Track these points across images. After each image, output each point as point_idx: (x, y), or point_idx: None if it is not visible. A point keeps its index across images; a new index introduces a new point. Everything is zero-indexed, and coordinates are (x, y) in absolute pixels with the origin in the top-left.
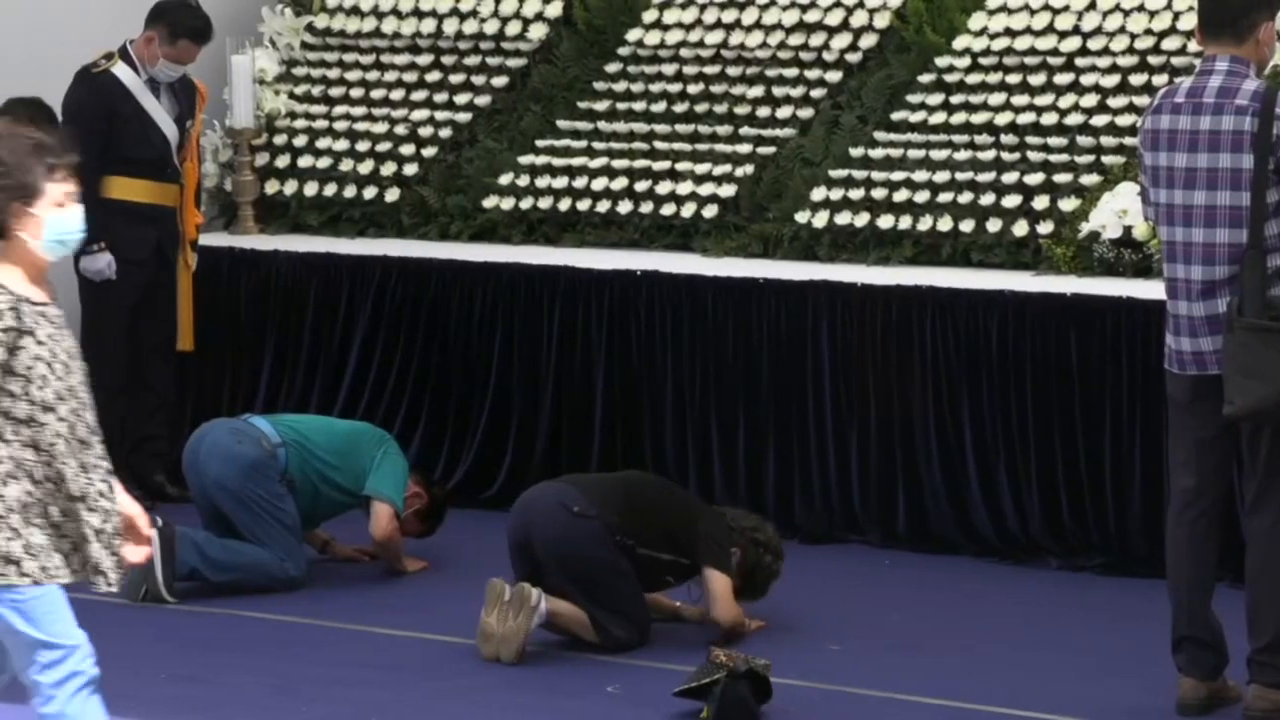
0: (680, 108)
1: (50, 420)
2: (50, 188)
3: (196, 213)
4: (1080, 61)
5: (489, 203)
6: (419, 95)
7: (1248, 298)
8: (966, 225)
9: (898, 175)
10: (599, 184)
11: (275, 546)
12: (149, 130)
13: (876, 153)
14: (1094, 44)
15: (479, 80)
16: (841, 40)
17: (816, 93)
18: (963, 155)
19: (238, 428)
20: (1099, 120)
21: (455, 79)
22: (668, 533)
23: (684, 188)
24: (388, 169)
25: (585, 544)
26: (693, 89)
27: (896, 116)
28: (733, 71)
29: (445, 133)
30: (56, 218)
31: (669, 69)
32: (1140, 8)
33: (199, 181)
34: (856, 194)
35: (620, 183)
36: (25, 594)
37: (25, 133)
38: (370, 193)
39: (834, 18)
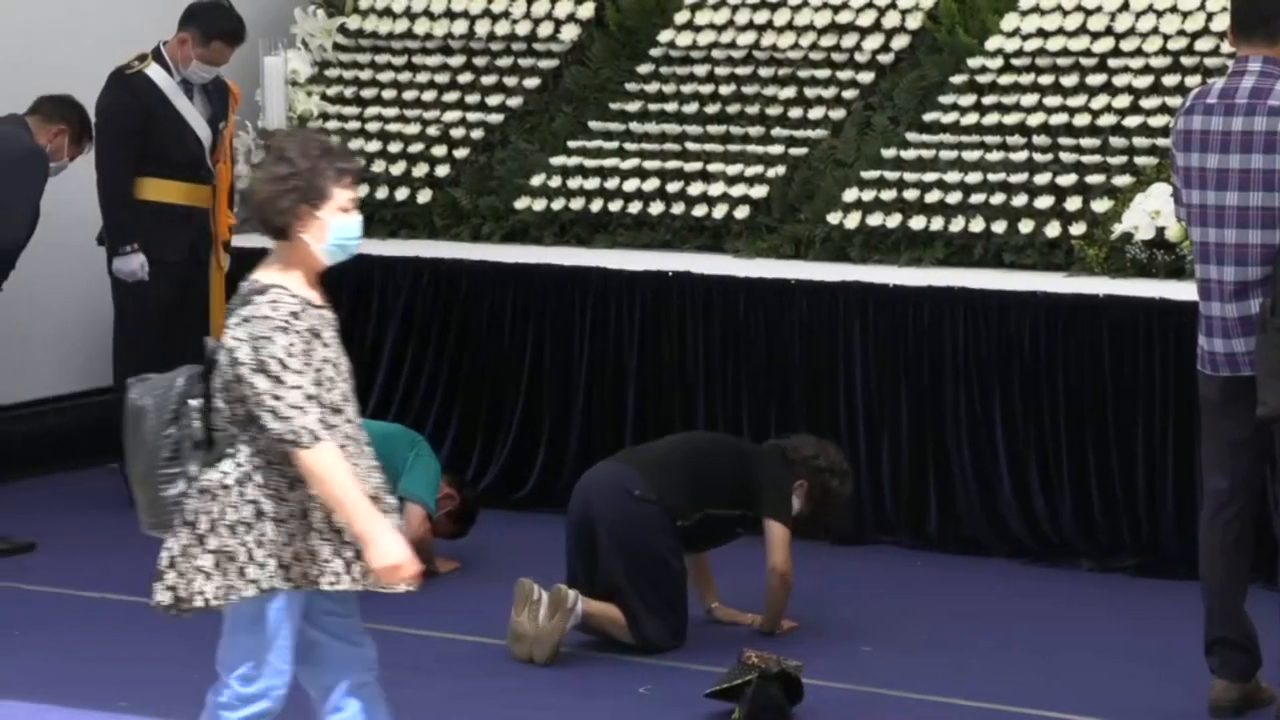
0: (712, 109)
1: (339, 422)
2: (337, 192)
3: (230, 214)
4: (1113, 62)
5: (521, 204)
6: (451, 96)
7: None
8: (999, 226)
9: (930, 176)
10: (631, 185)
11: None
12: (183, 131)
13: (908, 154)
14: (1127, 45)
15: (511, 81)
16: (873, 41)
17: (848, 94)
18: (995, 156)
19: None
20: (1132, 121)
21: (487, 80)
22: (732, 488)
23: (716, 189)
24: (419, 170)
25: (644, 530)
26: (724, 90)
27: (929, 117)
28: (765, 72)
29: (477, 134)
30: (340, 222)
31: (701, 70)
32: (1173, 8)
33: (232, 182)
34: (888, 195)
35: (652, 184)
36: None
37: (316, 136)
38: (402, 194)
39: (866, 18)
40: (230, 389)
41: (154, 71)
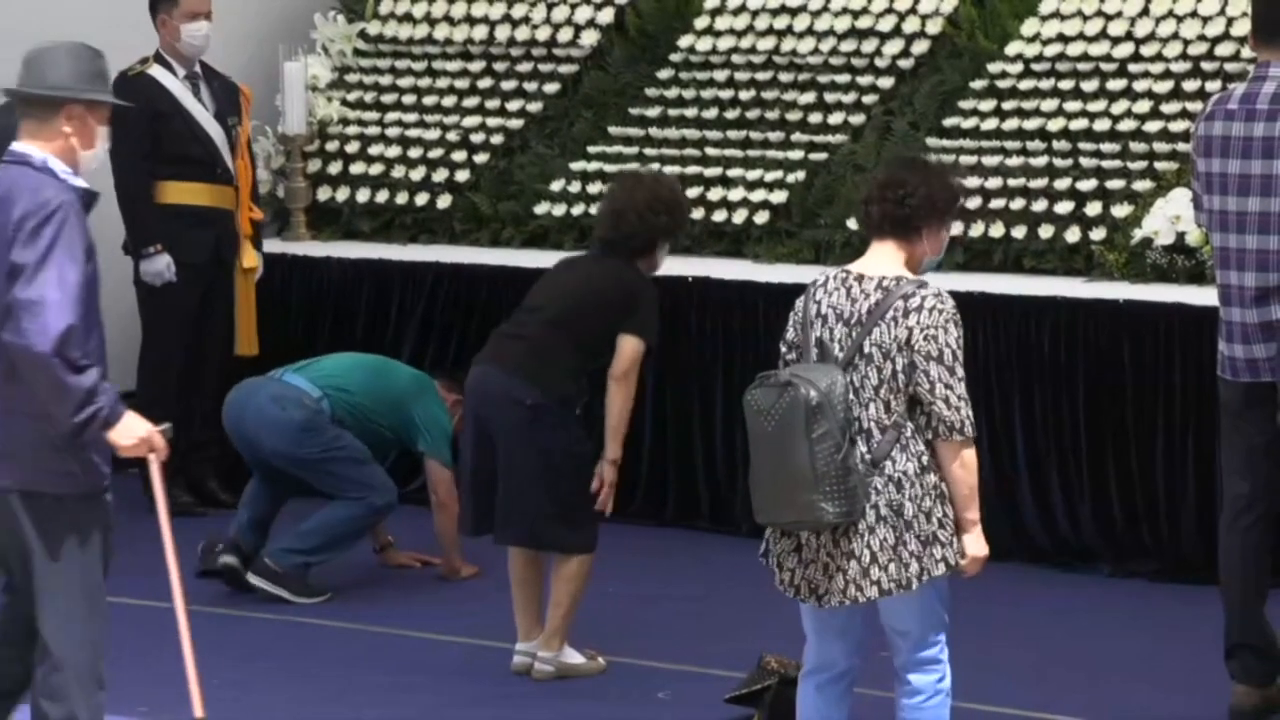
0: (732, 114)
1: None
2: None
3: (255, 209)
4: (1133, 67)
5: (540, 209)
6: (471, 102)
7: None
8: (1019, 231)
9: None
10: None
11: (352, 488)
12: (193, 128)
13: (929, 159)
14: (1147, 50)
15: (531, 87)
16: (893, 46)
17: (868, 99)
18: (1015, 161)
19: (278, 394)
20: (1152, 126)
21: (507, 85)
22: (606, 336)
23: (735, 194)
24: (439, 175)
25: (545, 438)
26: (744, 95)
27: (949, 123)
28: (784, 78)
29: (497, 139)
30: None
31: (720, 75)
32: (1194, 13)
33: (254, 180)
34: None
35: None
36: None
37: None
38: (422, 199)
39: (886, 24)
40: (893, 380)
41: (157, 72)
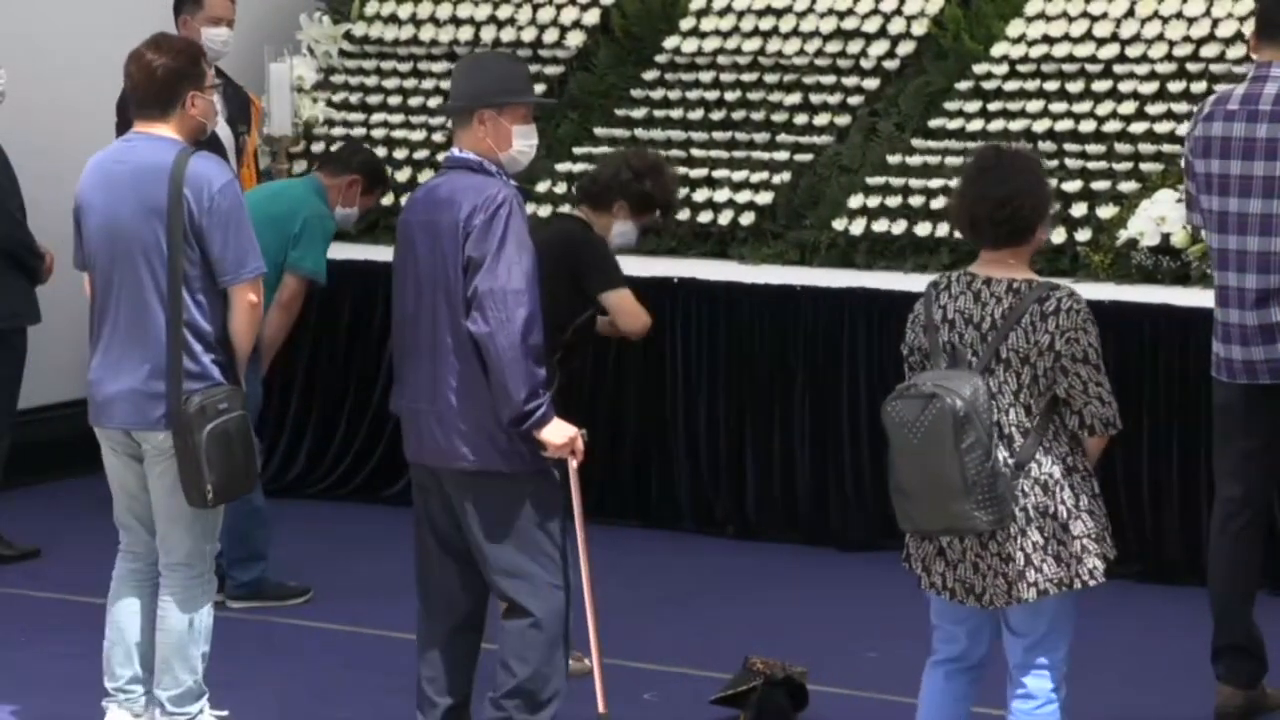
0: (718, 115)
1: None
2: None
3: None
4: (1118, 69)
5: (526, 210)
6: None
7: None
8: None
9: (935, 183)
10: None
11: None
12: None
13: (914, 160)
14: (1132, 51)
15: None
16: (879, 47)
17: (854, 100)
18: None
19: None
20: (1137, 127)
21: None
22: (568, 292)
23: (721, 195)
24: (425, 176)
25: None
26: (730, 96)
27: (934, 124)
28: (770, 79)
29: None
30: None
31: (706, 76)
32: (1178, 15)
33: None
34: (894, 201)
35: None
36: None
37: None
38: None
39: (871, 25)
40: (1034, 385)
41: None
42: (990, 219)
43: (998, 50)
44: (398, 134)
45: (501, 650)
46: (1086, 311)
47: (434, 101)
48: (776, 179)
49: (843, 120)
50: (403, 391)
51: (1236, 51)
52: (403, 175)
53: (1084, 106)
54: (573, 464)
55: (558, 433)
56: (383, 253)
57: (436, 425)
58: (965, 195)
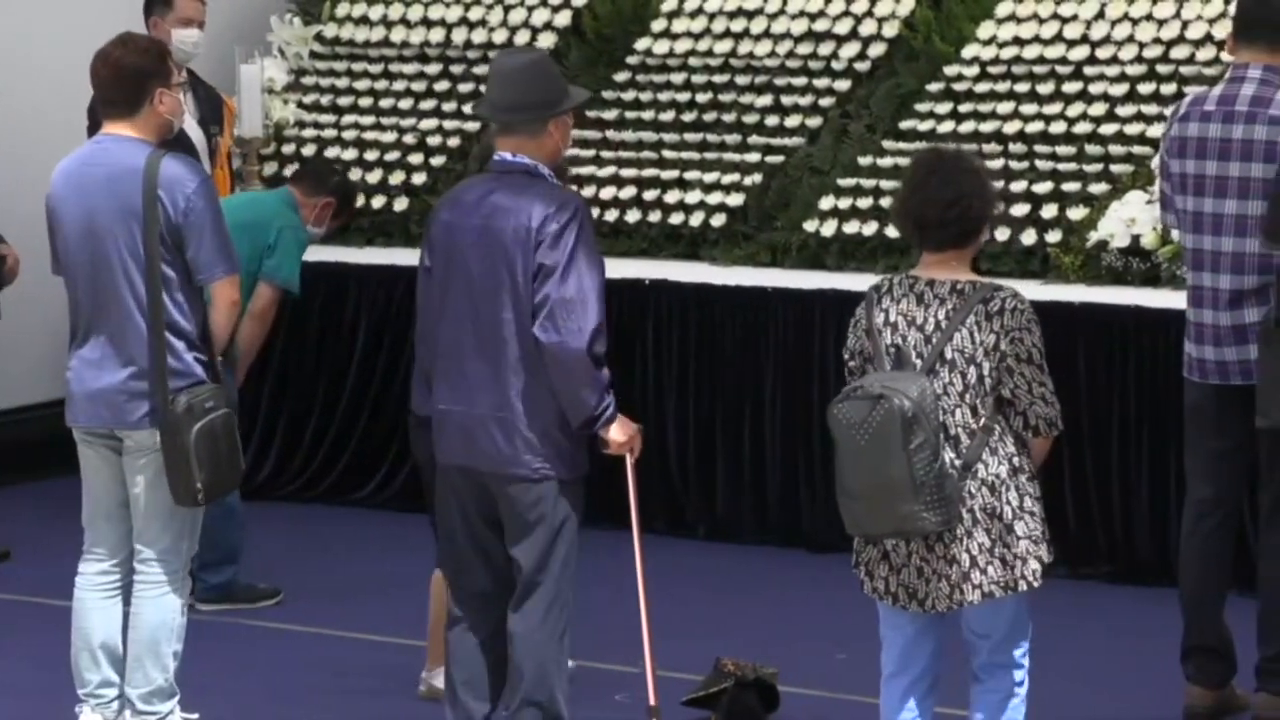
0: (689, 117)
1: None
2: None
3: None
4: (1089, 70)
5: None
6: (427, 105)
7: None
8: None
9: None
10: (607, 193)
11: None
12: (177, 133)
13: (885, 161)
14: (1102, 53)
15: None
16: (850, 49)
17: (825, 101)
18: None
19: None
20: (1107, 129)
21: (464, 88)
22: None
23: (692, 196)
24: (396, 178)
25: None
26: (701, 98)
27: (905, 125)
28: (741, 80)
29: (454, 142)
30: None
31: (678, 78)
32: (1148, 17)
33: (232, 191)
34: (865, 203)
35: (629, 191)
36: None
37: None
38: (379, 202)
39: (843, 26)
40: (979, 385)
41: None
42: (940, 220)
43: (968, 52)
44: (369, 135)
45: (515, 649)
46: (1030, 312)
47: (405, 103)
48: (748, 180)
49: (814, 122)
50: (445, 395)
51: (1206, 53)
52: (373, 176)
53: (1054, 108)
54: (630, 459)
55: (621, 430)
56: (353, 254)
57: (498, 430)
58: (912, 197)
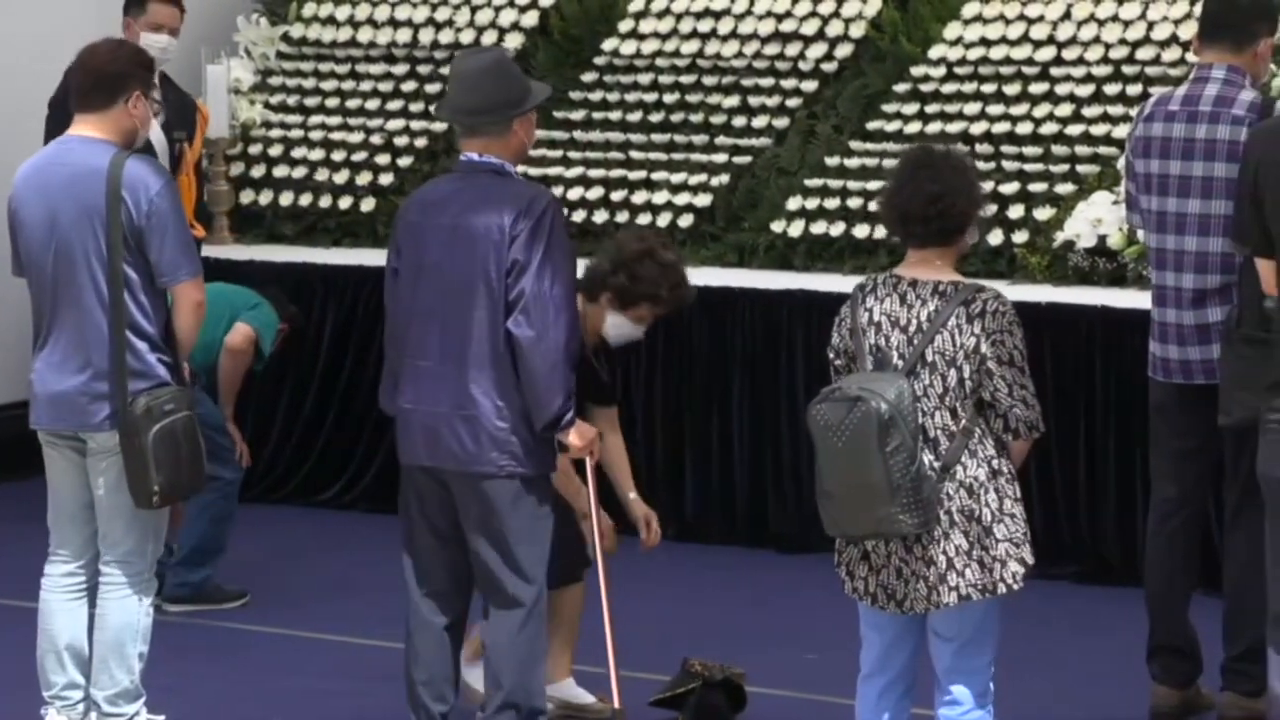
0: (656, 117)
1: None
2: None
3: (196, 225)
4: (1055, 71)
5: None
6: (394, 105)
7: (1246, 308)
8: None
9: (874, 185)
10: (575, 193)
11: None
12: None
13: (852, 162)
14: (1069, 54)
15: None
16: (817, 50)
17: (792, 102)
18: None
19: None
20: (1074, 130)
21: (431, 89)
22: None
23: (660, 197)
24: (363, 179)
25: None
26: (669, 98)
27: (872, 126)
28: (708, 81)
29: (421, 142)
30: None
31: (645, 78)
32: (1115, 18)
33: (197, 198)
34: (832, 203)
35: (596, 192)
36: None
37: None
38: (345, 202)
39: (809, 27)
40: (960, 387)
41: None
42: (922, 215)
43: (935, 53)
44: (335, 136)
45: (492, 653)
46: (1013, 314)
47: (372, 103)
48: (715, 181)
49: (781, 122)
50: (409, 394)
51: (1172, 54)
52: (340, 177)
53: (1021, 109)
54: (590, 463)
55: (584, 433)
56: (319, 254)
57: (463, 428)
58: (898, 191)
